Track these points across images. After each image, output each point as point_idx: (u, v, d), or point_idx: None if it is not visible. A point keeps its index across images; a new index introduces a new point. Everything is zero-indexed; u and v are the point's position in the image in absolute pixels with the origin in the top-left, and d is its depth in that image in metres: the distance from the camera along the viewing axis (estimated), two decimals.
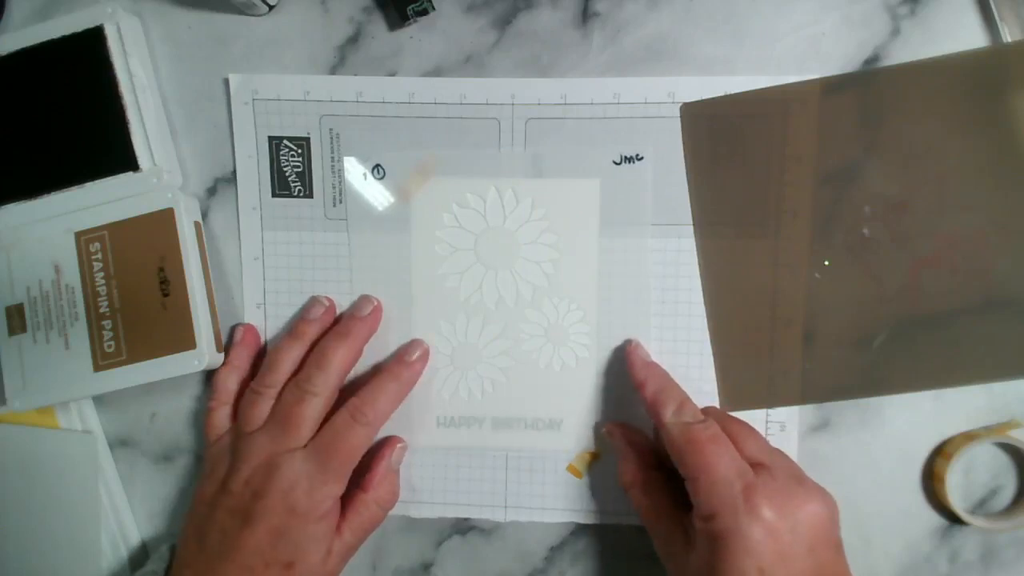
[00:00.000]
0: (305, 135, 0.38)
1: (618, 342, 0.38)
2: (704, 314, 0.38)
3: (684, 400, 0.34)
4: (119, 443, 0.41)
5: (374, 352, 0.39)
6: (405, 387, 0.38)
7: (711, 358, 0.38)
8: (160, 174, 0.37)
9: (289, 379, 0.37)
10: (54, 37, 0.37)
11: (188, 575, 0.35)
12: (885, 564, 0.38)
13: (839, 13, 0.37)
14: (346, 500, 0.36)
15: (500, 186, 0.38)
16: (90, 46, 0.37)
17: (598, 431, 0.39)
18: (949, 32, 0.36)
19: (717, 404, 0.38)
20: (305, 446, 0.35)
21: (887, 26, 0.36)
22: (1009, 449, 0.37)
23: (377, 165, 0.38)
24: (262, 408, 0.36)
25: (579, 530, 0.39)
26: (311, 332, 0.38)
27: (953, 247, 0.36)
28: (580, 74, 0.37)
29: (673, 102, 0.37)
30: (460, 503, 0.39)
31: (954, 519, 0.37)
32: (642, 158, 0.37)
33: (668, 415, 0.34)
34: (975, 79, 0.36)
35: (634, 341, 0.38)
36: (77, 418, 0.40)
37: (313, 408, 0.35)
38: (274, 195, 0.39)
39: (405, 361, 0.38)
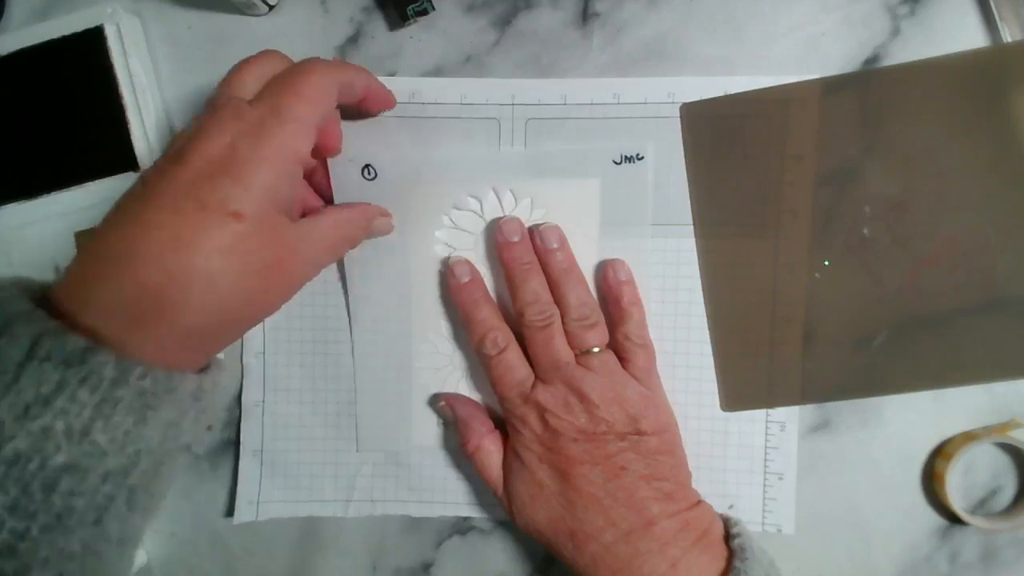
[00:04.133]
0: None
1: None
2: (704, 314, 0.38)
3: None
4: None
5: (384, 348, 0.39)
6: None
7: (711, 358, 0.38)
8: None
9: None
10: (54, 37, 0.37)
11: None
12: (885, 564, 0.38)
13: (839, 13, 0.37)
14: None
15: (499, 186, 0.38)
16: (90, 46, 0.37)
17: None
18: (949, 32, 0.36)
19: (717, 404, 0.38)
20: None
21: (887, 26, 0.36)
22: (1009, 449, 0.37)
23: (367, 165, 0.38)
24: None
25: None
26: None
27: (953, 247, 0.36)
28: (580, 74, 0.37)
29: (673, 102, 0.37)
30: (460, 503, 0.39)
31: (954, 519, 0.37)
32: (642, 158, 0.37)
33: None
34: (975, 79, 0.36)
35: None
36: None
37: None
38: None
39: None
